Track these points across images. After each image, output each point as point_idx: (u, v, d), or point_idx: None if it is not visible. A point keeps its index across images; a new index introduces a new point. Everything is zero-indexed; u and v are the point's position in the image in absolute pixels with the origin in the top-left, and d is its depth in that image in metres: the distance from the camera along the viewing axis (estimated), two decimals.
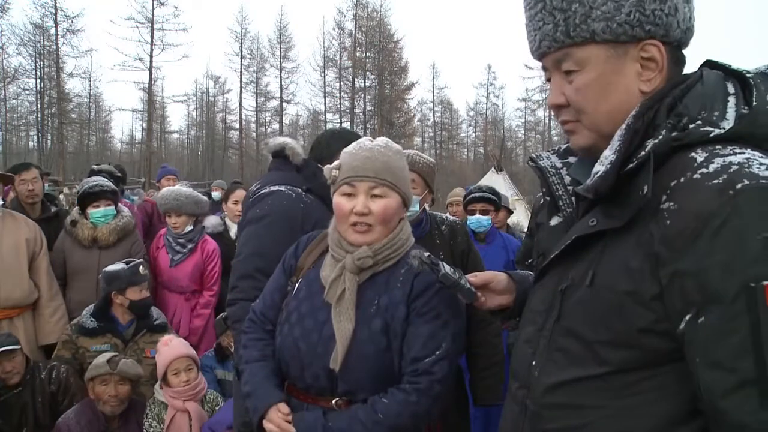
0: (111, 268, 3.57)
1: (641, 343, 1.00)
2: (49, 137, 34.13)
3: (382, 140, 1.78)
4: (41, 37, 31.89)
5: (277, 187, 2.26)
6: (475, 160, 44.04)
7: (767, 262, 0.88)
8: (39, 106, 33.32)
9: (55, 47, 31.24)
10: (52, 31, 30.98)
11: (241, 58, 38.87)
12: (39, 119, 33.50)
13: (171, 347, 3.20)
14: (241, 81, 39.45)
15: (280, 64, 39.44)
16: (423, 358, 1.62)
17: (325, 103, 39.99)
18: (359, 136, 2.17)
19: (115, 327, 3.48)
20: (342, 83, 40.16)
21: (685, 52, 1.12)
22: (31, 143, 38.10)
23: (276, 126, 40.95)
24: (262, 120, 41.23)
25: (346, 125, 35.80)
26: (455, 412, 2.32)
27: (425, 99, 44.55)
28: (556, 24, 1.08)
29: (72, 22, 30.65)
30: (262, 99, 40.68)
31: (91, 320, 3.47)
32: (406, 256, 1.71)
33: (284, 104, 40.59)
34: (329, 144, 2.36)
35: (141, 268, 3.52)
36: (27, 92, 33.40)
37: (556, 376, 1.10)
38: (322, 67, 39.66)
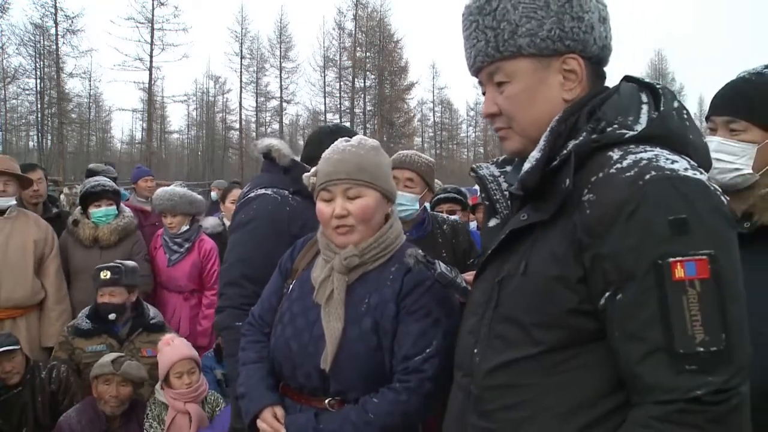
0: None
1: (569, 324, 1.11)
2: (49, 137, 34.15)
3: (356, 139, 1.78)
4: (41, 37, 31.90)
5: (263, 191, 2.24)
6: (475, 160, 44.02)
7: (672, 241, 1.01)
8: (39, 106, 33.33)
9: (55, 47, 31.27)
10: (52, 31, 31.03)
11: (241, 58, 38.92)
12: (39, 119, 33.51)
13: (174, 348, 3.19)
14: (241, 81, 39.53)
15: (280, 64, 39.48)
16: (413, 356, 1.62)
17: (325, 103, 40.06)
18: (354, 134, 2.17)
19: (110, 327, 3.46)
20: (342, 83, 40.20)
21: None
22: (31, 143, 38.11)
23: (276, 126, 40.99)
24: (262, 120, 41.28)
25: (346, 125, 35.77)
26: None
27: (425, 99, 44.65)
28: (487, 41, 1.22)
29: (72, 22, 30.73)
30: (262, 99, 40.75)
31: (86, 322, 3.46)
32: (401, 254, 1.71)
33: (284, 104, 40.67)
34: (321, 142, 2.30)
35: (103, 273, 3.45)
36: (27, 92, 33.43)
37: (496, 359, 1.20)
38: (322, 67, 39.74)
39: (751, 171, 1.66)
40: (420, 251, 1.61)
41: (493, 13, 1.21)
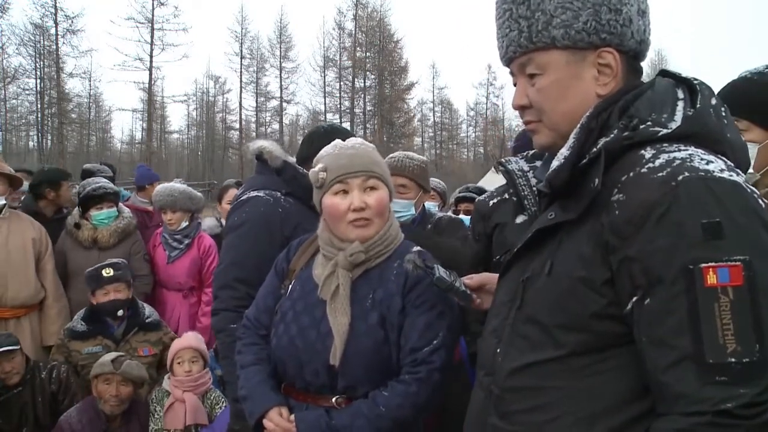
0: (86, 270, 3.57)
1: (594, 327, 1.08)
2: (49, 137, 34.14)
3: (357, 140, 1.84)
4: (41, 37, 31.92)
5: (255, 193, 2.24)
6: (475, 160, 44.02)
7: (704, 246, 0.96)
8: (39, 106, 33.33)
9: (55, 47, 31.30)
10: (52, 31, 31.06)
11: (241, 58, 38.93)
12: (39, 119, 33.51)
13: (182, 338, 3.34)
14: (241, 81, 39.53)
15: (280, 64, 39.48)
16: (421, 348, 1.64)
17: (325, 103, 40.06)
18: (350, 134, 2.18)
19: (105, 328, 3.45)
20: (342, 83, 40.20)
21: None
22: (31, 143, 38.13)
23: (276, 126, 41.02)
24: (262, 120, 41.29)
25: (347, 125, 35.79)
26: (458, 402, 2.32)
27: (425, 99, 44.62)
28: (520, 31, 1.18)
29: (72, 22, 30.76)
30: (262, 99, 40.75)
31: (81, 324, 3.45)
32: (402, 251, 1.72)
33: (284, 104, 40.67)
34: (312, 142, 2.33)
35: (105, 270, 3.45)
36: (27, 92, 33.44)
37: (518, 360, 1.16)
38: (322, 67, 39.75)
39: (752, 171, 1.66)
40: (419, 254, 1.61)
41: (528, 2, 1.17)
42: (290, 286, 1.82)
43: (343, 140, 1.83)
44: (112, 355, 3.15)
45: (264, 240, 2.14)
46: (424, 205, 2.76)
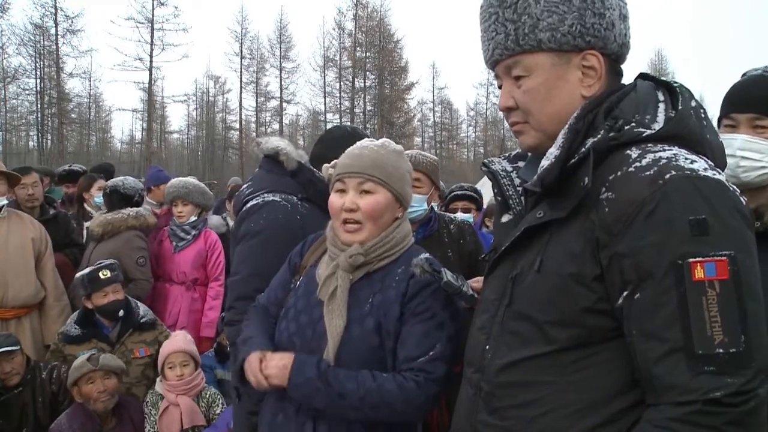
0: (78, 274, 3.54)
1: (584, 322, 1.11)
2: (49, 137, 34.10)
3: (381, 140, 1.82)
4: (41, 37, 31.88)
5: (271, 197, 2.15)
6: (475, 160, 43.97)
7: (692, 241, 1.00)
8: (39, 106, 33.29)
9: (55, 47, 31.27)
10: (52, 31, 31.03)
11: (241, 58, 38.86)
12: (39, 119, 33.47)
13: (172, 340, 3.30)
14: (241, 81, 39.46)
15: (280, 64, 39.43)
16: (416, 358, 1.62)
17: (325, 103, 40.01)
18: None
19: (99, 331, 3.43)
20: (342, 83, 40.16)
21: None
22: (31, 143, 38.04)
23: (276, 126, 40.93)
24: (262, 120, 41.22)
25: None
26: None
27: (425, 99, 44.52)
28: (507, 34, 1.21)
29: (72, 22, 30.73)
30: (262, 99, 40.67)
31: (75, 328, 3.43)
32: (408, 256, 1.71)
33: (284, 104, 40.59)
34: (339, 147, 2.14)
35: (102, 272, 3.38)
36: (27, 92, 33.37)
37: (508, 356, 1.19)
38: (322, 67, 39.69)
39: None
40: (426, 259, 1.60)
41: (514, 6, 1.20)
42: (298, 282, 1.84)
43: (374, 140, 1.82)
44: (86, 355, 3.11)
45: (283, 249, 2.01)
46: (432, 205, 2.76)
